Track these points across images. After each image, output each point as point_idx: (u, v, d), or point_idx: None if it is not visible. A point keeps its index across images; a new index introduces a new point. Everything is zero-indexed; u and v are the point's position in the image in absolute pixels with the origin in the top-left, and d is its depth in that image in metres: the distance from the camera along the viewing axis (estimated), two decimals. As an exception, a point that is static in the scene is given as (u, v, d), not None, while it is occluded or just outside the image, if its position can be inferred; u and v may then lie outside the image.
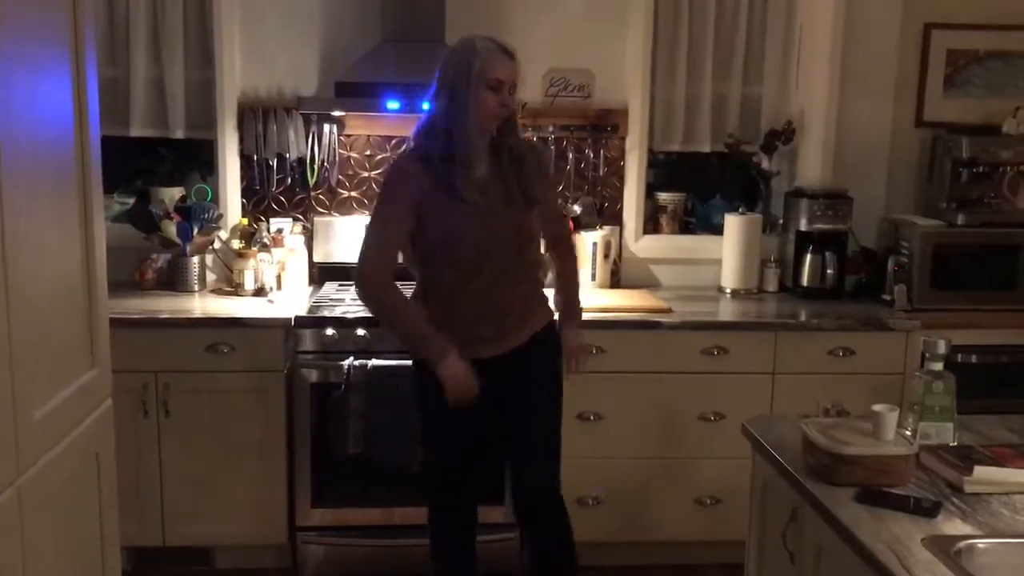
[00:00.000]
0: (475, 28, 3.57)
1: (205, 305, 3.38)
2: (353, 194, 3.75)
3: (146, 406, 3.14)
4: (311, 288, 3.62)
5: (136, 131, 3.61)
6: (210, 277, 3.68)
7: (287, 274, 3.54)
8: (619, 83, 3.74)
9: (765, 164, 3.87)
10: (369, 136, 3.73)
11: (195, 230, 3.53)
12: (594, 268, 3.69)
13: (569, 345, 2.72)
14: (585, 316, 3.02)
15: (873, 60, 3.79)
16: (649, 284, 3.82)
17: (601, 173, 3.77)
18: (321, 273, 3.69)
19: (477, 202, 2.47)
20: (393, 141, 3.73)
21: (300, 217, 3.72)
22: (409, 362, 3.09)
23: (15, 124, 1.69)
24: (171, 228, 3.52)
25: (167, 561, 3.31)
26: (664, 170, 4.11)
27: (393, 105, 3.29)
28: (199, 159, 3.87)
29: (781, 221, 3.86)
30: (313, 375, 3.18)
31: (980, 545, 1.63)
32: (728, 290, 3.72)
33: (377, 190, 2.62)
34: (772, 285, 3.78)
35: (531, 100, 3.59)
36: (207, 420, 3.19)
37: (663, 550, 3.45)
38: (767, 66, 3.82)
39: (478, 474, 2.81)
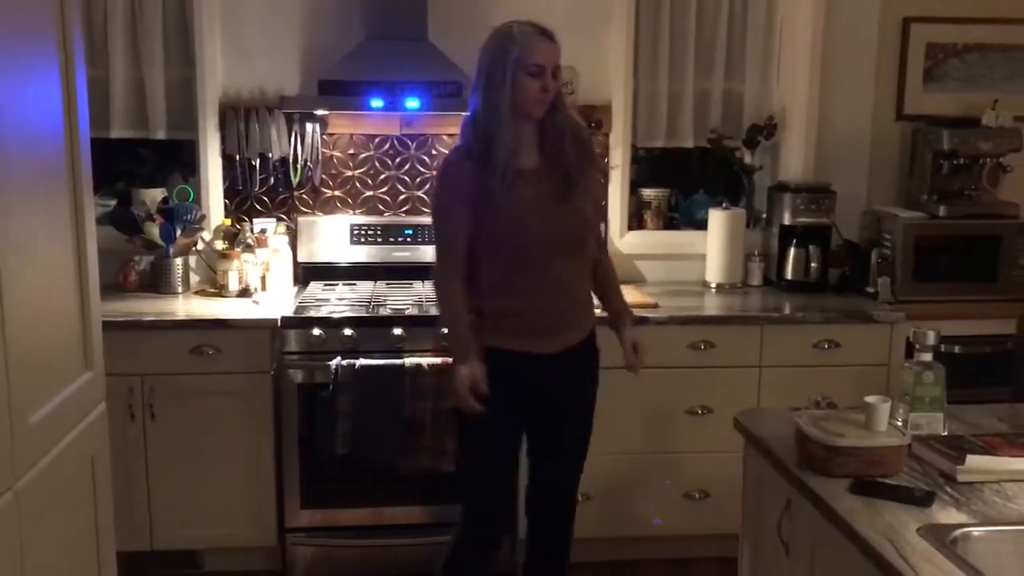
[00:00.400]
0: (457, 25, 3.61)
1: (189, 307, 3.36)
2: (337, 193, 3.73)
3: (132, 410, 3.11)
4: (296, 288, 3.60)
5: (116, 132, 3.57)
6: (194, 278, 3.65)
7: (271, 274, 3.52)
8: (602, 80, 3.75)
9: (748, 159, 3.89)
10: (352, 135, 3.71)
11: (178, 231, 3.50)
12: (580, 264, 3.69)
13: (633, 341, 2.63)
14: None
15: (853, 54, 3.82)
16: (634, 280, 3.82)
17: (585, 170, 3.77)
18: (306, 273, 3.67)
19: (525, 195, 2.39)
20: (376, 139, 3.72)
21: (284, 217, 3.70)
22: (400, 361, 3.11)
23: (5, 126, 1.67)
24: (154, 230, 3.49)
25: (155, 565, 3.28)
26: (647, 166, 4.12)
27: (377, 103, 3.28)
28: (180, 160, 3.83)
29: (764, 215, 3.88)
30: (300, 376, 3.17)
31: (975, 533, 1.65)
32: (713, 285, 3.74)
33: (433, 197, 2.60)
34: (756, 279, 3.80)
35: (515, 97, 3.58)
36: (194, 423, 3.17)
37: (653, 545, 3.46)
38: (748, 62, 3.84)
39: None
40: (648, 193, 3.94)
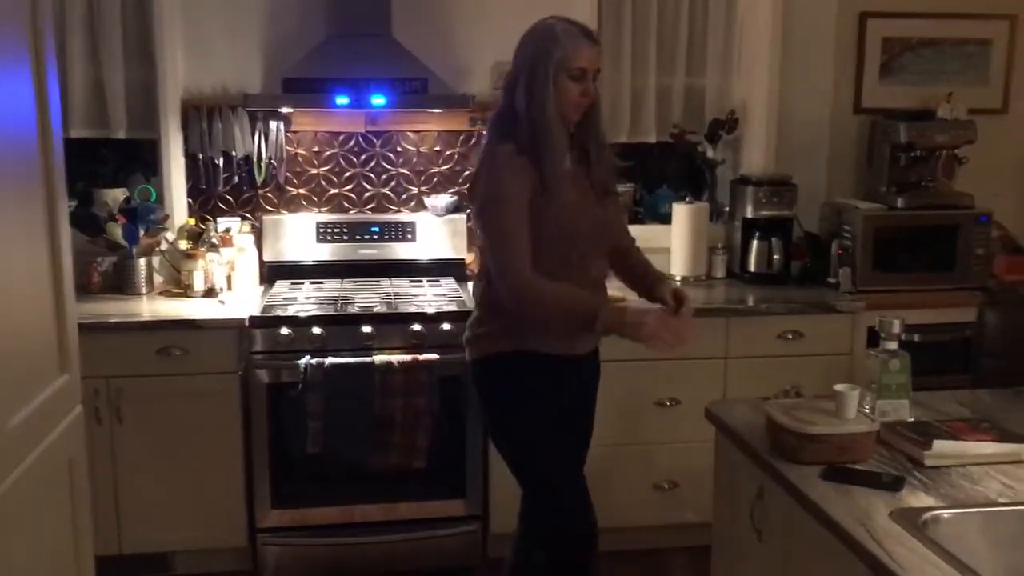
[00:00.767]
0: (421, 21, 3.61)
1: (154, 308, 3.32)
2: (302, 191, 3.72)
3: (99, 413, 3.07)
4: (262, 288, 3.57)
5: (76, 132, 3.51)
6: (158, 279, 3.61)
7: (237, 274, 3.50)
8: (566, 75, 3.76)
9: (710, 153, 3.93)
10: (317, 132, 3.70)
11: (141, 232, 3.46)
12: (547, 260, 3.71)
13: (676, 295, 2.46)
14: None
15: (812, 49, 3.88)
16: (600, 274, 3.84)
17: (551, 165, 3.79)
18: (271, 272, 3.65)
19: (572, 195, 2.31)
20: (341, 136, 3.71)
21: (248, 216, 3.68)
22: (370, 359, 3.10)
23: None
24: (116, 230, 3.44)
25: (125, 569, 3.24)
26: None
27: (342, 100, 3.27)
28: (142, 160, 3.79)
29: (727, 209, 3.93)
30: (268, 375, 3.15)
31: (944, 516, 1.69)
32: (678, 277, 3.78)
33: (483, 191, 2.31)
34: (720, 272, 3.85)
35: (479, 93, 3.60)
36: (161, 425, 3.14)
37: (623, 536, 3.48)
38: (710, 57, 3.89)
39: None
40: (612, 188, 3.96)
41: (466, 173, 3.78)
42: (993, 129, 3.87)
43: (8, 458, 1.73)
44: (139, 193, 3.54)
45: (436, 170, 3.79)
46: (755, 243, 3.75)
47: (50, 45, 1.95)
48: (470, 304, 3.30)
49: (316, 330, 3.16)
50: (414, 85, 3.33)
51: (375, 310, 3.24)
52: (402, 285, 3.57)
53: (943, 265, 3.64)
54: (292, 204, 3.72)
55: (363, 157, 3.74)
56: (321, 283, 3.60)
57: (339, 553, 3.28)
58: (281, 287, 3.54)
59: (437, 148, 3.78)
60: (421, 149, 3.77)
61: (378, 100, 3.29)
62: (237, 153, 3.57)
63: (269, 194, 3.69)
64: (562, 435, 2.48)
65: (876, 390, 2.12)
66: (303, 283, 3.60)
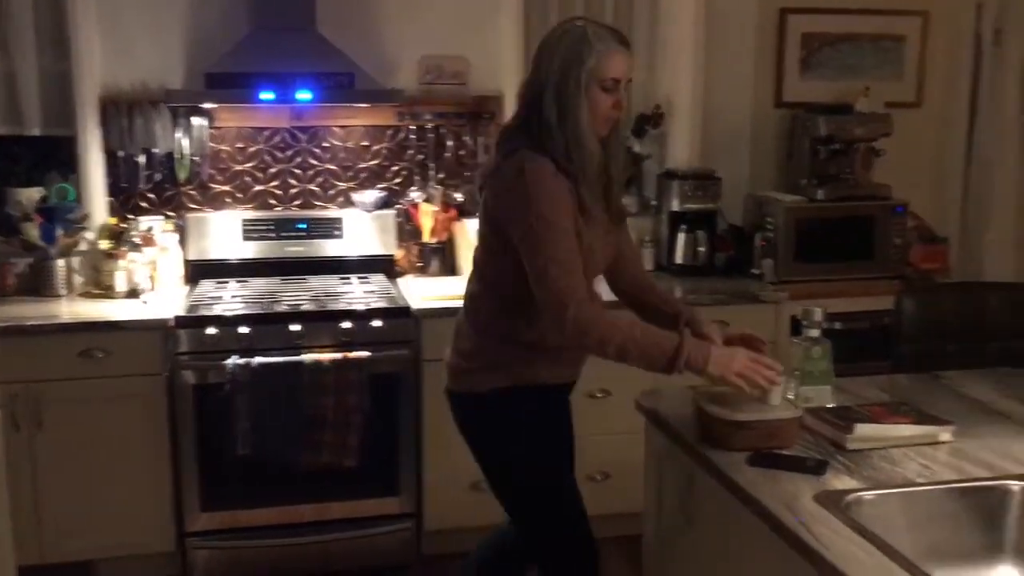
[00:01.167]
0: (346, 16, 3.57)
1: (75, 309, 3.23)
2: (226, 188, 3.65)
3: (16, 419, 2.98)
4: (187, 287, 3.50)
5: (-14, 129, 3.40)
6: (77, 280, 3.49)
7: (160, 273, 3.43)
8: (494, 71, 3.76)
9: (636, 148, 3.97)
10: (240, 128, 3.63)
11: (59, 231, 3.36)
12: (477, 255, 3.71)
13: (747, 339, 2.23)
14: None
15: (734, 45, 3.95)
16: (531, 268, 3.86)
17: (480, 160, 3.79)
18: (196, 271, 3.58)
19: (600, 215, 2.14)
20: (266, 132, 3.66)
21: (171, 214, 3.60)
22: (299, 358, 3.07)
23: None
24: (32, 230, 3.34)
25: (47, 579, 3.16)
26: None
27: (267, 96, 3.22)
28: (58, 158, 3.65)
29: (654, 202, 3.98)
30: (195, 376, 3.09)
31: (866, 497, 1.74)
32: (607, 271, 3.81)
33: (530, 213, 2.03)
34: (648, 264, 3.88)
35: (406, 87, 3.58)
36: (84, 430, 3.06)
37: (557, 528, 3.51)
38: (635, 53, 3.90)
39: None
40: (541, 182, 3.98)
41: (395, 168, 3.77)
42: (908, 122, 3.99)
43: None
44: (56, 192, 3.44)
45: (364, 165, 3.76)
46: (682, 236, 3.80)
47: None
48: (401, 301, 3.31)
49: (243, 329, 3.11)
50: (340, 80, 3.29)
51: (303, 308, 3.21)
52: (331, 282, 3.54)
53: (862, 255, 3.75)
54: (216, 201, 3.65)
55: (289, 153, 3.69)
56: (247, 281, 3.54)
57: (271, 555, 3.24)
58: (206, 286, 3.48)
59: (364, 143, 3.74)
60: (348, 144, 3.73)
61: (304, 95, 3.25)
62: (159, 150, 3.49)
63: (192, 191, 3.62)
64: (569, 465, 2.40)
65: (800, 377, 2.18)
66: (229, 282, 3.53)
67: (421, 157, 3.75)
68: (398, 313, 3.23)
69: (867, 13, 4.05)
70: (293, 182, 3.71)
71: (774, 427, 1.95)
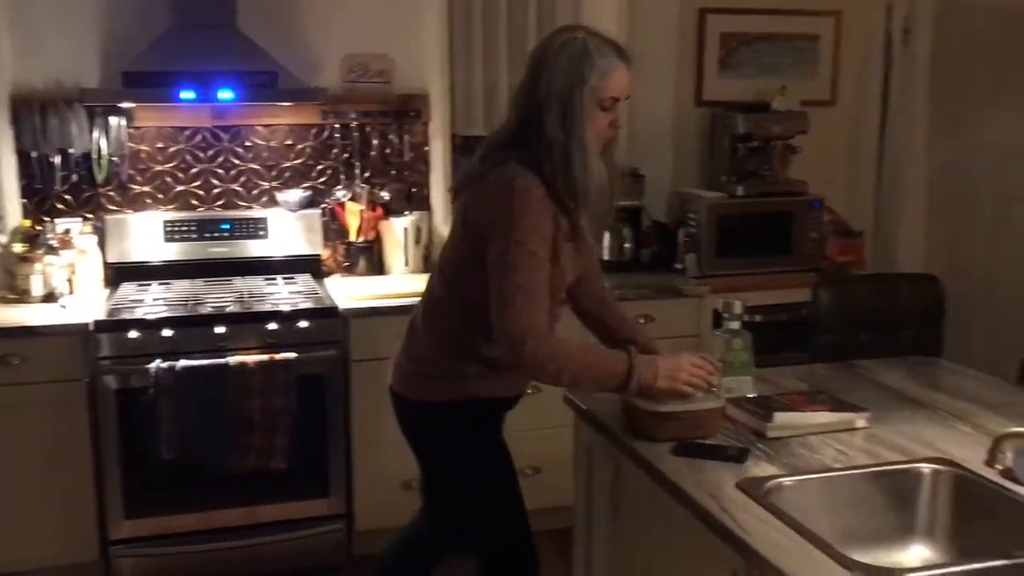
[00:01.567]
0: (268, 13, 3.53)
1: (-12, 315, 3.14)
2: (146, 189, 3.58)
3: (-72, 429, 2.89)
4: (107, 290, 3.42)
5: None
6: (-10, 285, 3.40)
7: (79, 277, 3.35)
8: (419, 69, 3.76)
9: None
10: (160, 127, 3.57)
11: (-30, 235, 3.26)
12: (406, 254, 3.70)
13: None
14: (400, 302, 3.08)
15: (655, 44, 4.00)
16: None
17: (407, 159, 3.79)
18: (117, 274, 3.50)
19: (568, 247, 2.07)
20: (187, 132, 3.59)
21: (90, 216, 3.51)
22: (224, 360, 3.02)
23: None
24: (-59, 234, 3.23)
25: (-38, 594, 3.06)
26: (468, 155, 4.17)
27: (188, 95, 3.16)
28: (-33, 158, 3.56)
29: (580, 199, 4.02)
30: (117, 381, 3.02)
31: (786, 483, 1.80)
32: (534, 268, 3.84)
33: (510, 234, 1.97)
34: (575, 260, 3.93)
35: (330, 86, 3.56)
36: (1, 438, 2.97)
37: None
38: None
39: None
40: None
41: (320, 167, 3.74)
42: (823, 120, 4.11)
43: None
44: (-34, 194, 3.33)
45: (287, 164, 3.72)
46: (607, 232, 3.85)
47: None
48: (328, 301, 3.29)
49: (166, 332, 3.05)
50: (263, 79, 3.25)
51: (228, 310, 3.17)
52: (256, 283, 3.50)
53: (781, 249, 3.85)
54: (137, 203, 3.57)
55: (211, 152, 3.63)
56: (170, 284, 3.48)
57: (200, 560, 3.19)
58: (127, 289, 3.41)
59: (288, 142, 3.71)
60: (271, 143, 3.69)
61: (225, 94, 3.20)
62: (75, 150, 3.41)
63: (111, 193, 3.54)
64: (516, 477, 2.37)
65: (721, 368, 2.23)
66: (151, 284, 3.47)
67: (346, 156, 3.74)
68: (325, 313, 3.21)
69: (783, 13, 4.16)
70: (216, 182, 3.65)
71: (697, 417, 2.00)
